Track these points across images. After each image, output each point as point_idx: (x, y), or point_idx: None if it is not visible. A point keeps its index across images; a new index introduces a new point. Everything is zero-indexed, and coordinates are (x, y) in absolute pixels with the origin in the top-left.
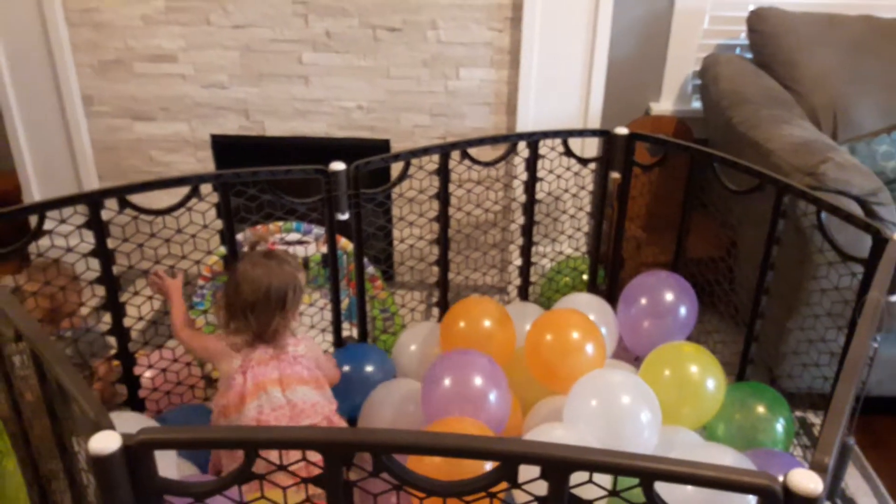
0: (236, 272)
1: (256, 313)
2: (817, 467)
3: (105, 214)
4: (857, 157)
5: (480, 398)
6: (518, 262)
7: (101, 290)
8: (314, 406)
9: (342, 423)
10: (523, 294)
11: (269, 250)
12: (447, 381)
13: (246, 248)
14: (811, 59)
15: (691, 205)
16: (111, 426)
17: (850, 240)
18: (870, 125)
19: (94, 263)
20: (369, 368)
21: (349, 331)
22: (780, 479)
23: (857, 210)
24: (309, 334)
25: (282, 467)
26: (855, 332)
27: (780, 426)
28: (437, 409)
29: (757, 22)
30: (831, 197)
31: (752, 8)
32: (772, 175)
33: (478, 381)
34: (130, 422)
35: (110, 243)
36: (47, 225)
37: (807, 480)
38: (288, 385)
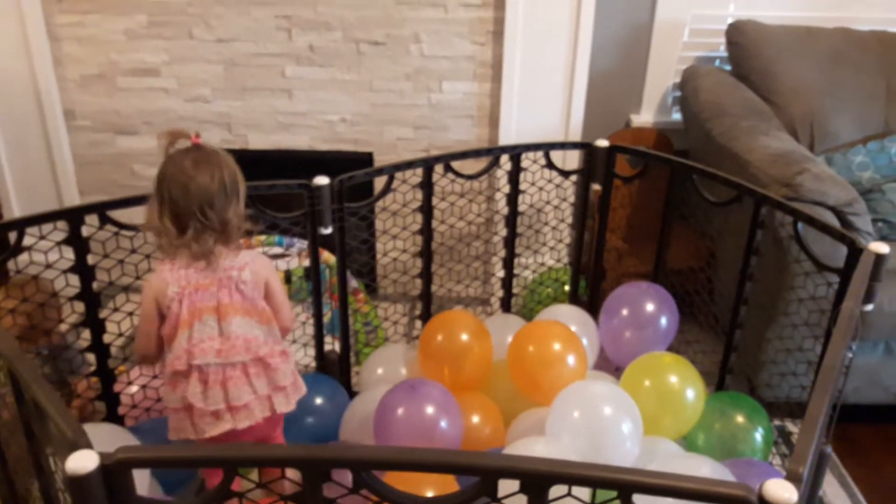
0: (173, 174)
1: (216, 210)
2: (792, 477)
3: (85, 230)
4: (833, 168)
5: (431, 428)
6: (501, 273)
7: (80, 307)
8: (247, 342)
9: (280, 367)
10: (506, 305)
11: (196, 144)
12: (399, 412)
13: (163, 146)
14: (789, 71)
15: (671, 216)
16: (89, 445)
17: (826, 250)
18: (846, 136)
19: (74, 279)
20: (319, 400)
21: (331, 344)
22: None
23: (833, 220)
24: (262, 257)
25: (261, 485)
26: (830, 342)
27: (758, 436)
28: (389, 441)
29: (736, 35)
30: (808, 208)
31: (730, 21)
32: (749, 186)
33: (429, 410)
34: (108, 434)
35: (90, 259)
36: (26, 241)
37: (782, 490)
38: (225, 315)
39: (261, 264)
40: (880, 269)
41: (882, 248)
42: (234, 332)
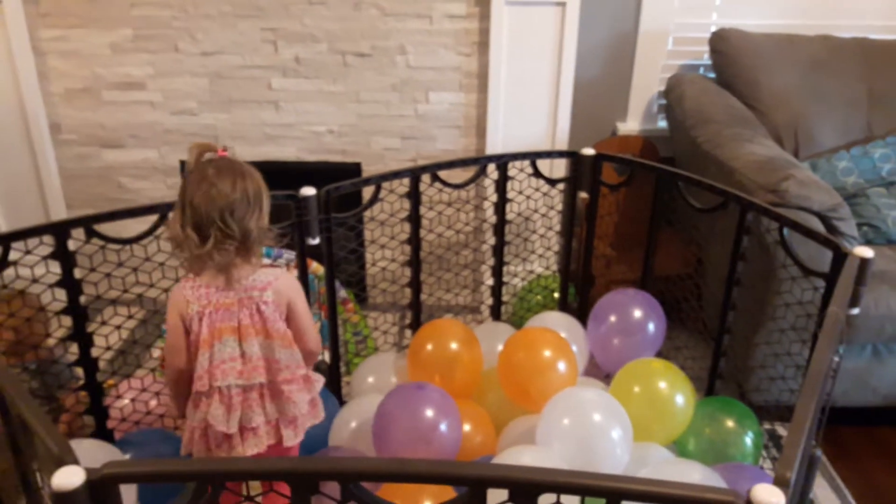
0: (196, 181)
1: (236, 218)
2: (780, 482)
3: (72, 244)
4: (818, 174)
5: (431, 431)
6: (490, 281)
7: (67, 321)
8: (269, 364)
9: (294, 396)
10: (496, 313)
11: (223, 157)
12: (398, 416)
13: (192, 159)
14: (772, 79)
15: (658, 223)
16: (75, 461)
17: (811, 255)
18: (830, 142)
19: (61, 293)
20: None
21: (322, 355)
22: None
23: (818, 226)
24: (287, 276)
25: (248, 498)
26: (816, 346)
27: (748, 440)
28: (389, 444)
29: (719, 43)
30: (793, 213)
31: (713, 29)
32: (735, 193)
33: (429, 413)
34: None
35: (77, 273)
36: (12, 255)
37: (769, 495)
38: (245, 336)
39: (285, 284)
40: (865, 273)
41: (866, 252)
42: (255, 353)
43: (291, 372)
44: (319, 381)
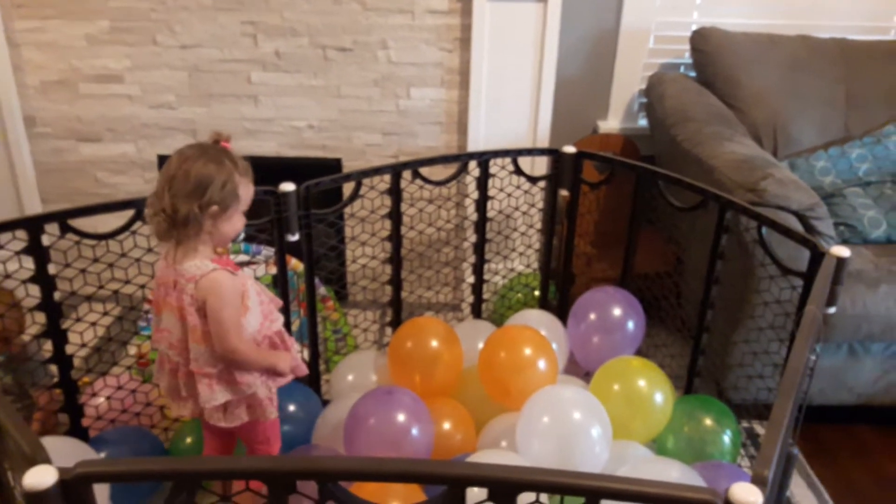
0: (180, 149)
1: (172, 191)
2: (758, 480)
3: (46, 239)
4: (796, 173)
5: (403, 435)
6: (471, 279)
7: (41, 318)
8: (170, 335)
9: (205, 390)
10: (476, 311)
11: (212, 143)
12: (368, 422)
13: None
14: (752, 78)
15: (638, 222)
16: (47, 460)
17: (790, 254)
18: (808, 141)
19: (35, 289)
20: (292, 407)
21: (301, 352)
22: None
23: (796, 225)
24: (212, 278)
25: (224, 497)
26: (793, 345)
27: (727, 438)
28: (360, 448)
29: (700, 42)
30: (771, 212)
31: (694, 28)
32: (714, 192)
33: (400, 418)
34: (68, 447)
35: (52, 268)
36: None
37: (747, 494)
38: (173, 314)
39: (206, 283)
40: (842, 272)
41: (843, 251)
42: (176, 334)
43: (199, 366)
44: (251, 386)
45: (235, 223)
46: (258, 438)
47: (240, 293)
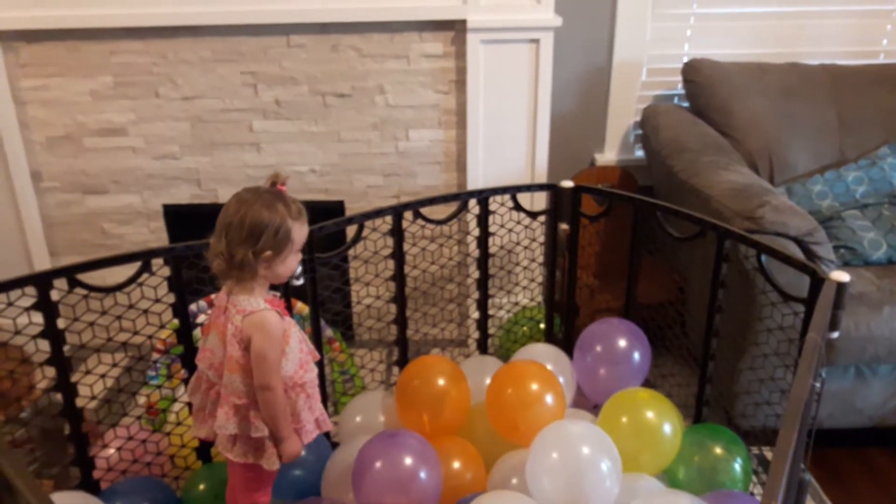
0: (240, 192)
1: (229, 237)
2: None
3: (55, 293)
4: (794, 198)
5: (410, 479)
6: (475, 315)
7: (51, 372)
8: (213, 355)
9: (223, 418)
10: (482, 347)
11: (269, 188)
12: (377, 465)
13: (265, 184)
14: (744, 106)
15: (638, 253)
16: None
17: (790, 280)
18: (803, 166)
19: (44, 344)
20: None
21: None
22: None
23: (795, 251)
24: (259, 318)
25: None
26: (796, 373)
27: (737, 466)
28: (368, 493)
29: (691, 73)
30: (770, 239)
31: (686, 60)
32: (712, 221)
33: (407, 461)
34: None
35: (61, 322)
36: None
37: None
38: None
39: (252, 320)
40: (843, 297)
41: (843, 276)
42: (208, 345)
43: (226, 393)
44: (258, 430)
45: (290, 264)
46: (252, 485)
47: (283, 335)
